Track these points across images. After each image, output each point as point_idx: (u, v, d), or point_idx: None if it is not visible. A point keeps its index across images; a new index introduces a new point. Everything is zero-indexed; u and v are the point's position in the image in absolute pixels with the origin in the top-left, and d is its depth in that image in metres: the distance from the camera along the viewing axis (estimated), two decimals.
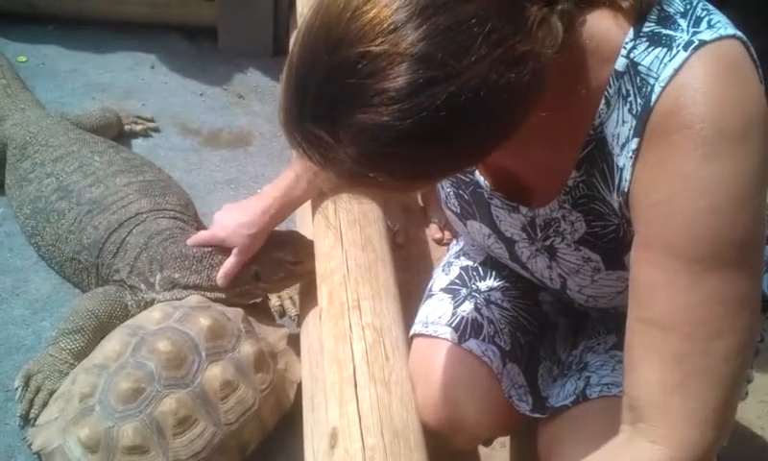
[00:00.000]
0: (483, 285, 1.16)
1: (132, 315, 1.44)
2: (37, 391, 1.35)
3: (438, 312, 1.14)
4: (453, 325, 1.10)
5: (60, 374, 1.36)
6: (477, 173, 0.94)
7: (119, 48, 2.54)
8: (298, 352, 1.42)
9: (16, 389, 1.36)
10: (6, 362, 1.46)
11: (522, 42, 0.61)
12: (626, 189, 0.73)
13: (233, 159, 2.15)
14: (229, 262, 1.38)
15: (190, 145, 2.19)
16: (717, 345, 0.67)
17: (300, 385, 1.36)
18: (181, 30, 2.62)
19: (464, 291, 1.16)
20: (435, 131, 0.61)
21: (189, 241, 1.47)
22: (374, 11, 0.60)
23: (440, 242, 1.88)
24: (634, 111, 0.71)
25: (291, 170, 1.34)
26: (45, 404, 1.32)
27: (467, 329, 1.09)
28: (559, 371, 1.11)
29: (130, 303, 1.49)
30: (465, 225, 1.02)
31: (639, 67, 0.70)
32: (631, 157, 0.71)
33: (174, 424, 1.18)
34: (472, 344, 1.08)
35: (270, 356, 1.37)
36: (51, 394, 1.33)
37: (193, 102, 2.37)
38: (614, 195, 0.76)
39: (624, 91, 0.72)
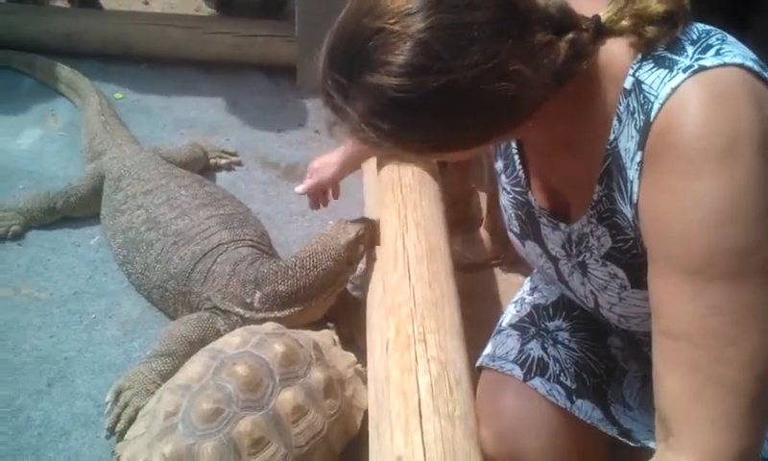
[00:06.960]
0: (551, 325, 1.19)
1: None
2: (125, 406, 1.46)
3: (505, 348, 1.17)
4: (519, 362, 1.13)
5: (147, 392, 1.46)
6: (530, 194, 0.99)
7: (205, 86, 2.72)
8: (364, 380, 1.47)
9: (107, 403, 1.47)
10: (99, 379, 1.58)
11: (516, 61, 0.69)
12: (635, 201, 0.77)
13: None
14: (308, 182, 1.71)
15: (269, 178, 2.31)
16: (730, 351, 0.67)
17: (366, 412, 1.41)
18: (263, 68, 2.77)
19: (532, 329, 1.19)
20: (422, 110, 0.72)
21: (299, 190, 1.74)
22: None
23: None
24: (637, 127, 0.75)
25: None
26: (131, 420, 1.43)
27: (532, 367, 1.12)
28: (633, 414, 1.11)
29: (222, 328, 1.59)
30: (524, 246, 1.06)
31: (643, 85, 0.75)
32: (637, 170, 0.75)
33: (249, 444, 1.25)
34: (537, 382, 1.10)
35: (338, 383, 1.43)
36: (137, 410, 1.43)
37: (272, 137, 2.50)
38: (628, 207, 0.80)
39: (631, 108, 0.76)
